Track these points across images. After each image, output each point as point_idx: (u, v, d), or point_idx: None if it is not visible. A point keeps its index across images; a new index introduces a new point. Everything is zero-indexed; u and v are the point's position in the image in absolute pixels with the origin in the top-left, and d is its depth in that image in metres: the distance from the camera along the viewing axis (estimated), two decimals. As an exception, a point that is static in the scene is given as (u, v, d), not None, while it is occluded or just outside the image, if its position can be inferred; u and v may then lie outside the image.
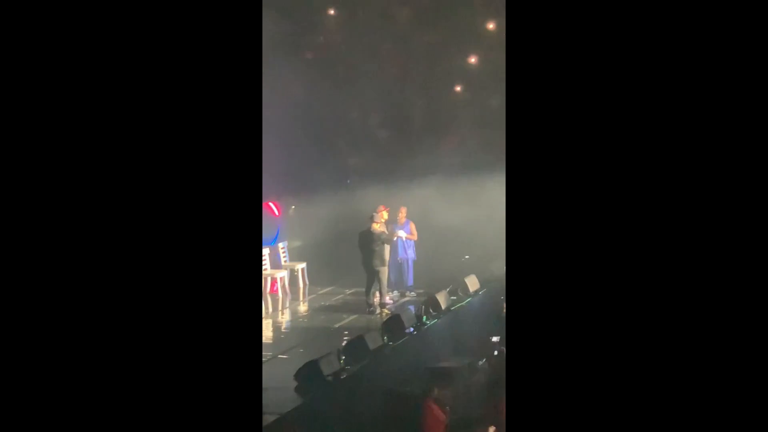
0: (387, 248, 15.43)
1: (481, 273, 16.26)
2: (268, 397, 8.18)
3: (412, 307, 14.98)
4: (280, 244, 17.47)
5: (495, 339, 12.55)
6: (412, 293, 16.52)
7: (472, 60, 19.58)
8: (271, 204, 18.62)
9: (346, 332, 13.60)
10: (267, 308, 15.59)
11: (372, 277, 15.15)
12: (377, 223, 15.25)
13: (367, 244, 15.15)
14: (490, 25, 18.91)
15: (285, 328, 14.77)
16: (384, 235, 15.28)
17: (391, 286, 16.15)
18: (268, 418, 9.06)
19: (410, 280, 16.71)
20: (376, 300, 15.23)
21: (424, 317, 13.74)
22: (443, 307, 14.24)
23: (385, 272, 15.26)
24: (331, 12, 19.13)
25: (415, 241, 16.69)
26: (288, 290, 16.76)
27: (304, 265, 17.55)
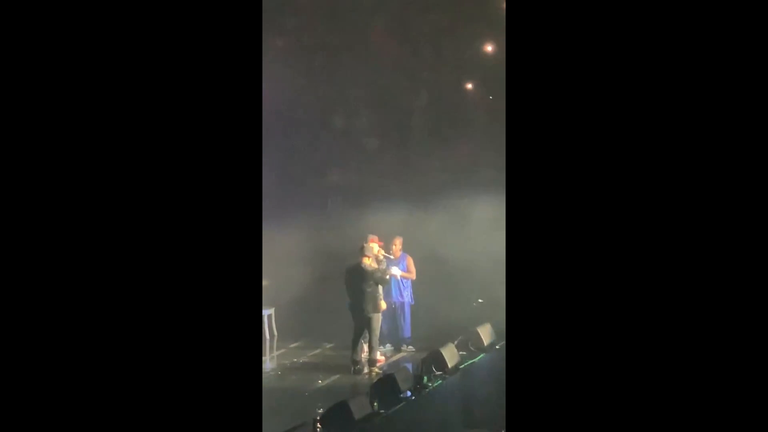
0: (380, 289, 15.28)
1: (498, 321, 16.03)
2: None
3: (409, 365, 14.89)
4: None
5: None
6: (410, 347, 16.48)
7: (488, 48, 19.35)
8: None
9: (325, 396, 13.37)
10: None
11: (361, 327, 15.05)
12: (369, 257, 15.08)
13: (357, 284, 15.03)
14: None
15: (247, 392, 14.55)
16: (378, 273, 15.10)
17: (383, 339, 15.97)
18: None
19: (407, 331, 16.65)
20: (364, 356, 15.08)
21: (425, 378, 13.57)
22: (450, 365, 14.06)
23: (378, 320, 15.19)
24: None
25: (412, 281, 16.50)
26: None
27: (271, 311, 17.46)
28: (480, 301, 18.30)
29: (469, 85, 19.87)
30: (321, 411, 11.73)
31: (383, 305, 15.45)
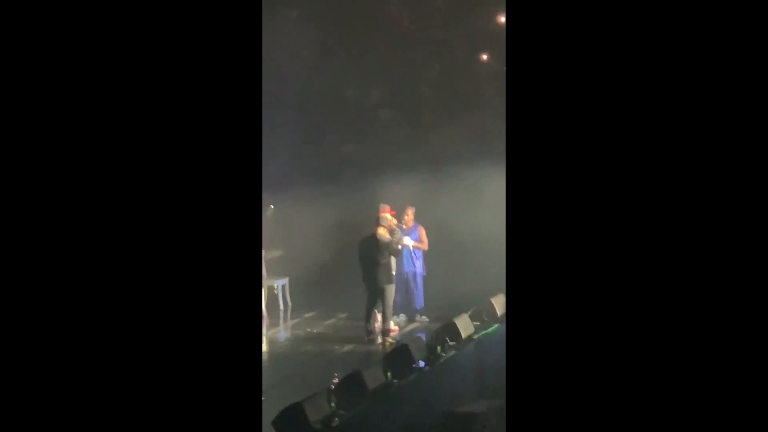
0: (394, 261, 15.27)
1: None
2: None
3: (423, 336, 14.87)
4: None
5: None
6: (423, 318, 16.48)
7: (502, 20, 19.27)
8: None
9: (339, 367, 13.32)
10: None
11: (374, 298, 15.03)
12: (384, 227, 15.03)
13: (371, 255, 15.02)
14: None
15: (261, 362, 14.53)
16: (393, 244, 15.08)
17: (397, 309, 15.96)
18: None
19: (420, 301, 16.62)
20: (378, 326, 15.07)
21: (439, 348, 13.52)
22: (464, 335, 14.05)
23: (391, 291, 15.17)
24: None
25: (424, 251, 16.49)
26: (265, 313, 16.53)
27: (285, 281, 17.45)
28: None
29: (483, 57, 19.79)
30: (335, 380, 11.77)
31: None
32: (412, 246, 16.37)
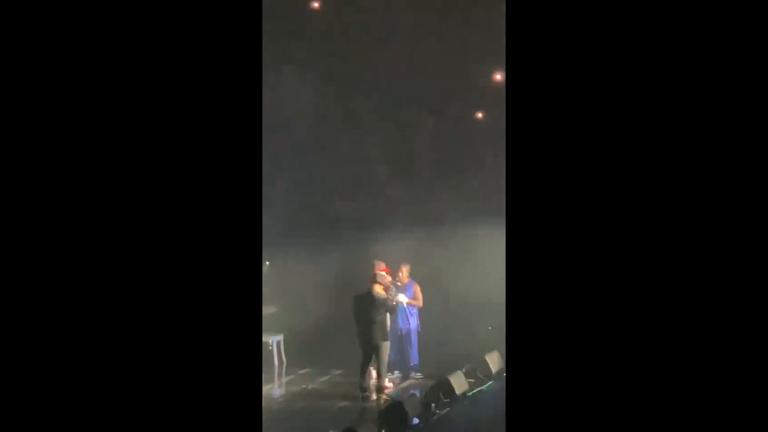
0: (389, 317, 15.27)
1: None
2: None
3: (417, 392, 14.83)
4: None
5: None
6: (418, 374, 16.39)
7: (498, 77, 19.36)
8: None
9: (334, 424, 13.28)
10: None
11: (369, 354, 14.98)
12: (380, 284, 15.04)
13: (366, 311, 14.97)
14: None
15: (255, 418, 14.49)
16: (389, 302, 15.09)
17: (392, 366, 15.94)
18: None
19: (415, 358, 16.54)
20: (373, 382, 15.02)
21: (433, 405, 13.61)
22: (458, 392, 14.12)
23: (386, 348, 15.11)
24: (315, 5, 18.77)
25: (419, 308, 16.49)
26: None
27: (279, 337, 17.42)
28: (489, 328, 18.21)
29: (479, 114, 19.85)
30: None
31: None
32: (407, 303, 16.35)
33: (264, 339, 17.02)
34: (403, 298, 16.24)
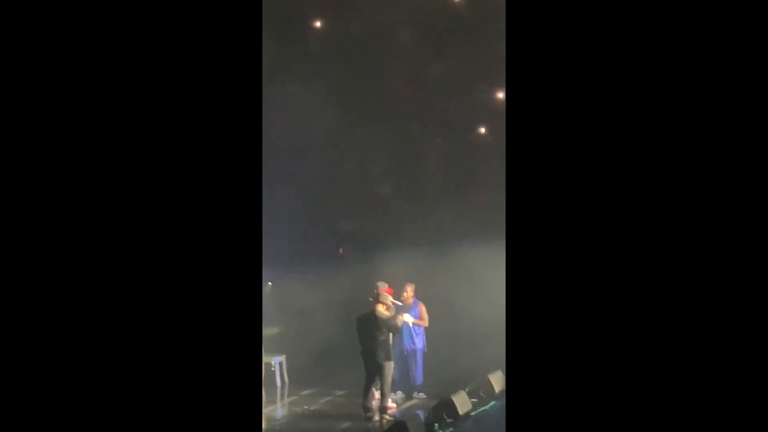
0: (392, 337, 15.20)
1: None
2: None
3: (421, 413, 14.77)
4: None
5: None
6: (422, 394, 16.38)
7: (500, 95, 19.32)
8: None
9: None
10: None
11: (372, 374, 14.92)
12: (383, 304, 14.98)
13: (369, 331, 14.91)
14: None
15: (258, 439, 14.45)
16: (392, 321, 15.02)
17: (395, 386, 15.88)
18: None
19: (419, 378, 16.50)
20: (376, 403, 14.97)
21: (437, 425, 13.57)
22: (461, 412, 14.04)
23: (390, 368, 15.03)
24: (317, 25, 18.75)
25: (425, 328, 16.42)
26: (263, 390, 16.43)
27: (282, 358, 17.38)
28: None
29: (483, 131, 19.83)
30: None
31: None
32: (413, 323, 16.29)
33: (266, 360, 16.96)
34: (408, 318, 16.19)
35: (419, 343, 16.48)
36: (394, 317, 15.25)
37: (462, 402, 14.14)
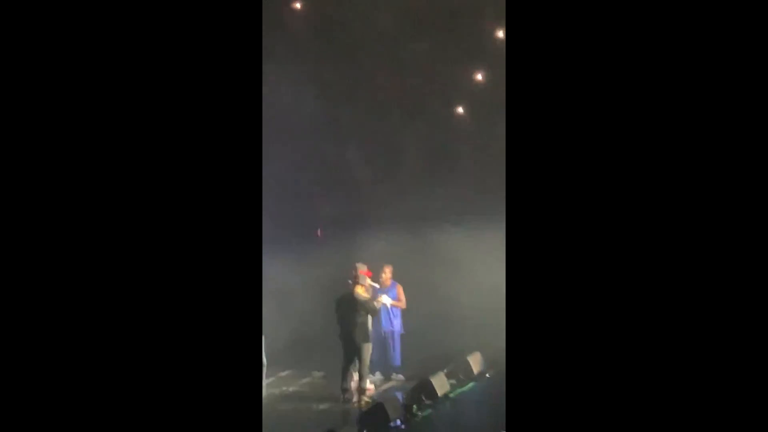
0: (370, 319, 15.21)
1: (488, 350, 16.01)
2: None
3: (399, 394, 14.81)
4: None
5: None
6: (400, 376, 16.38)
7: (480, 77, 19.27)
8: None
9: (315, 426, 13.24)
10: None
11: (350, 356, 14.92)
12: (362, 286, 14.99)
13: (348, 313, 14.93)
14: (499, 34, 18.51)
15: (235, 420, 14.42)
16: (370, 303, 15.03)
17: (373, 368, 15.89)
18: None
19: (397, 360, 16.52)
20: (354, 384, 14.97)
21: (415, 407, 13.56)
22: (440, 393, 14.07)
23: (368, 349, 15.03)
24: (297, 6, 18.67)
25: (402, 310, 16.44)
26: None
27: (261, 339, 17.30)
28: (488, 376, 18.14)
29: (461, 112, 19.80)
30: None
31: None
32: (391, 305, 16.29)
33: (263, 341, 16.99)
34: (386, 300, 16.18)
35: (396, 325, 16.46)
36: (372, 299, 15.27)
37: (440, 383, 14.16)
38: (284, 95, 18.06)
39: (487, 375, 15.48)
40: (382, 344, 16.29)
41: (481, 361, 15.69)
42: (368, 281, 15.40)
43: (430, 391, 13.88)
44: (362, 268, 15.39)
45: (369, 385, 15.20)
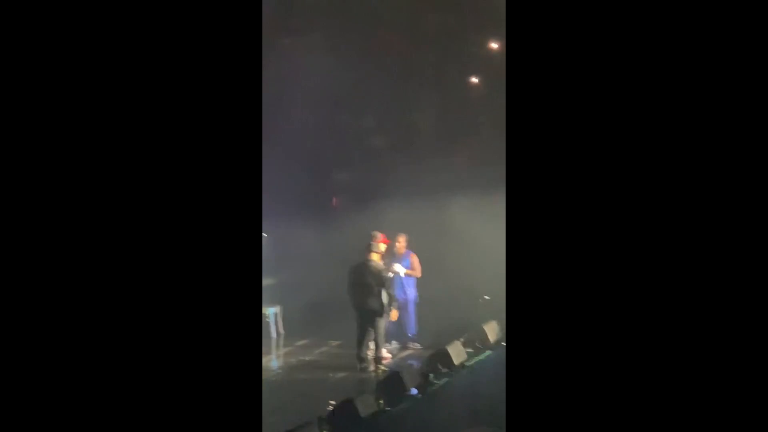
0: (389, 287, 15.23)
1: (504, 318, 16.00)
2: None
3: (415, 363, 14.81)
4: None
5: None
6: (416, 345, 16.38)
7: (494, 46, 19.21)
8: None
9: (331, 395, 13.26)
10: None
11: (366, 325, 14.94)
12: (377, 253, 14.98)
13: (363, 282, 14.90)
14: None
15: (253, 390, 14.47)
16: (385, 272, 15.05)
17: (389, 336, 15.91)
18: None
19: (413, 328, 16.53)
20: (370, 353, 15.00)
21: (432, 375, 13.58)
22: (456, 362, 14.07)
23: (384, 319, 15.01)
24: (313, -23, 18.66)
25: (417, 278, 16.46)
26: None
27: (277, 309, 17.40)
28: (486, 297, 18.17)
29: (477, 82, 19.76)
30: (327, 409, 11.73)
31: (394, 315, 15.42)
32: (404, 273, 16.31)
33: (263, 311, 17.03)
34: (400, 269, 16.20)
35: (411, 293, 16.48)
36: (386, 268, 15.28)
37: (457, 352, 14.16)
38: (301, 65, 18.05)
39: (504, 344, 15.47)
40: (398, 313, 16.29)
41: (497, 330, 15.70)
42: (383, 248, 15.36)
43: (447, 359, 13.88)
44: (377, 237, 15.39)
45: (385, 354, 15.22)
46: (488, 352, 15.11)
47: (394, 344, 16.20)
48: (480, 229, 17.61)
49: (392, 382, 12.73)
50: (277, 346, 16.99)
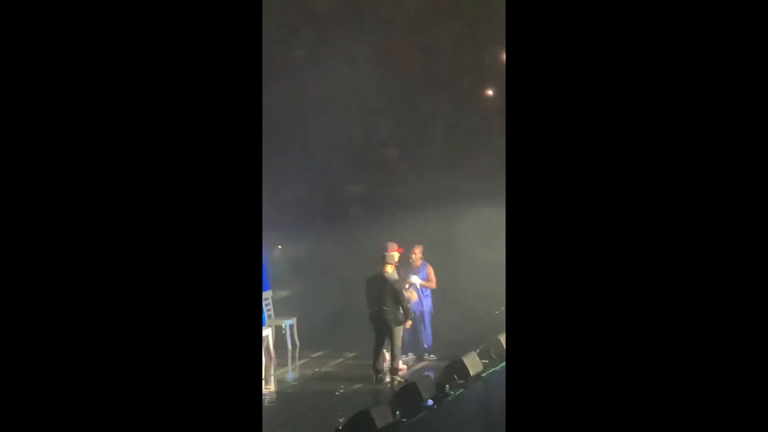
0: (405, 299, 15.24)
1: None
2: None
3: (431, 374, 14.84)
4: (264, 294, 17.23)
5: None
6: (432, 356, 16.35)
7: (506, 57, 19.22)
8: None
9: (348, 406, 13.27)
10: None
11: (382, 337, 14.95)
12: (392, 265, 15.00)
13: (378, 293, 14.90)
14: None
15: (269, 402, 14.44)
16: (399, 283, 15.05)
17: (405, 348, 15.92)
18: None
19: (428, 340, 16.52)
20: (386, 365, 15.00)
21: (448, 386, 13.53)
22: (472, 373, 14.06)
23: (400, 330, 15.03)
24: (325, -7, 18.73)
25: (432, 290, 16.47)
26: (273, 353, 16.54)
27: (293, 320, 17.40)
28: (502, 309, 18.12)
29: (489, 93, 19.79)
30: (343, 420, 11.74)
31: (408, 323, 15.41)
32: (420, 285, 16.32)
33: (277, 323, 17.07)
34: (416, 280, 16.20)
35: (427, 304, 16.48)
36: (401, 280, 15.29)
37: (473, 363, 14.16)
38: (311, 77, 18.08)
39: (506, 357, 15.48)
40: (413, 324, 16.27)
41: (512, 341, 15.67)
42: (396, 257, 15.34)
43: (463, 370, 13.88)
44: (392, 247, 15.38)
45: (401, 366, 15.22)
46: (503, 363, 15.07)
47: (411, 356, 16.19)
48: (493, 240, 17.60)
49: (408, 393, 12.75)
50: (293, 357, 16.98)
